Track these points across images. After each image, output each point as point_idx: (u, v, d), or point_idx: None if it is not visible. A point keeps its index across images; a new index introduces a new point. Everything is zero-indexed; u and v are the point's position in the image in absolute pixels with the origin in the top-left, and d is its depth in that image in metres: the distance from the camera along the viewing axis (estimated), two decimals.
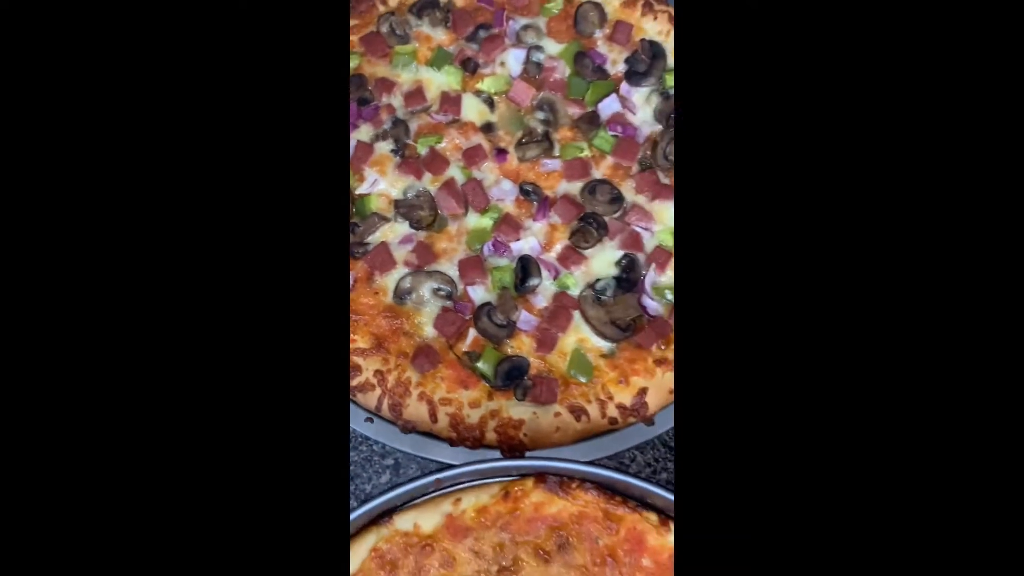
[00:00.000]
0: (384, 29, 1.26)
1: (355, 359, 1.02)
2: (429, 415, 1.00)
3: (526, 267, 1.09)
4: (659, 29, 1.26)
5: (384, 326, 1.04)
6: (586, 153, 1.17)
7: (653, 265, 1.09)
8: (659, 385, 1.02)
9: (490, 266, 1.10)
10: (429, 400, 1.00)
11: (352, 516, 0.91)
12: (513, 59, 1.25)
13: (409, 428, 1.01)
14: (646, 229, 1.13)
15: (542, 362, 1.04)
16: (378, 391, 1.01)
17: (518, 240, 1.11)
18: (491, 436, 1.00)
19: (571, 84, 1.22)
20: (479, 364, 1.03)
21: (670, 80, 1.22)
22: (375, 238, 1.11)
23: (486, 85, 1.23)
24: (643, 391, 1.01)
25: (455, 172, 1.16)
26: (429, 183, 1.16)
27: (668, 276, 1.10)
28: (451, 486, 0.97)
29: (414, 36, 1.27)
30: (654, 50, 1.23)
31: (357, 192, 1.14)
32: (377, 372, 1.01)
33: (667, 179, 1.16)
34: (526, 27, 1.28)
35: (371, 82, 1.22)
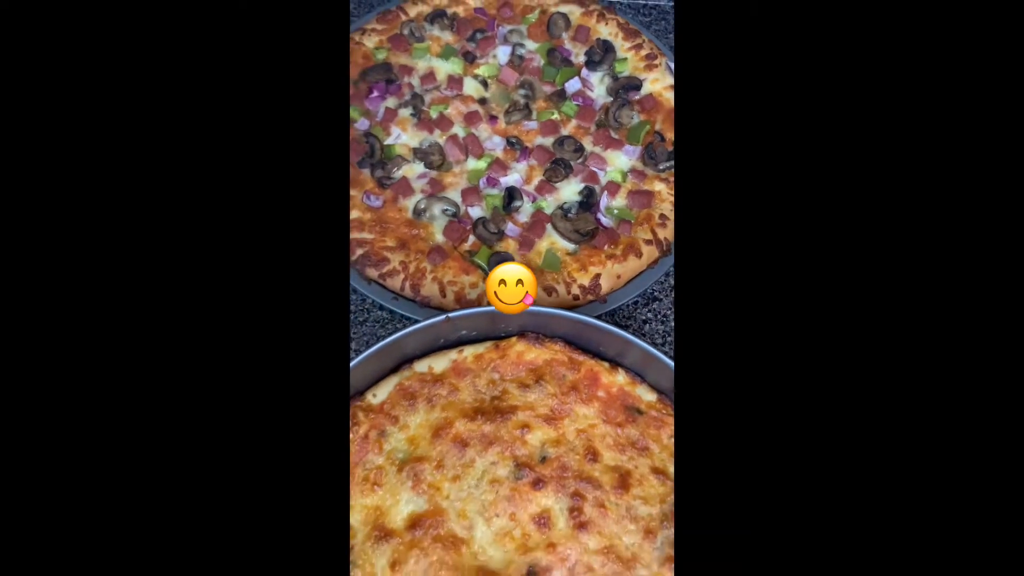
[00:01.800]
0: (406, 32, 1.68)
1: (385, 253, 1.38)
2: (440, 292, 1.35)
3: (512, 194, 1.46)
4: (610, 31, 1.69)
5: (406, 232, 1.41)
6: (556, 117, 1.57)
7: (605, 193, 1.47)
8: (609, 273, 1.38)
9: (485, 194, 1.47)
10: (440, 282, 1.35)
11: (381, 344, 1.19)
12: (502, 53, 1.66)
13: (425, 303, 1.35)
14: (600, 169, 1.51)
15: (523, 258, 1.40)
16: (401, 275, 1.36)
17: (506, 176, 1.49)
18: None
19: (545, 71, 1.64)
20: (476, 258, 1.39)
21: (619, 67, 1.63)
22: (398, 174, 1.49)
23: (482, 71, 1.63)
24: (597, 276, 1.37)
25: (458, 130, 1.55)
26: (439, 137, 1.55)
27: (617, 201, 1.47)
28: (457, 342, 1.31)
29: (428, 37, 1.69)
30: (605, 46, 1.65)
31: (386, 143, 1.53)
32: (401, 262, 1.36)
33: (616, 135, 1.55)
34: (512, 31, 1.70)
35: (396, 68, 1.62)
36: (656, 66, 1.61)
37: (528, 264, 1.39)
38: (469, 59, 1.65)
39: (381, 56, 1.65)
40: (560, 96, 1.59)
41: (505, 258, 1.38)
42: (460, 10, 1.72)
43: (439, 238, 1.42)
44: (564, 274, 1.37)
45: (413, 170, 1.50)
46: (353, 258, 1.37)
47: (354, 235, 1.39)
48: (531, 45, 1.68)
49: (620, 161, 1.52)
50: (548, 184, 1.48)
